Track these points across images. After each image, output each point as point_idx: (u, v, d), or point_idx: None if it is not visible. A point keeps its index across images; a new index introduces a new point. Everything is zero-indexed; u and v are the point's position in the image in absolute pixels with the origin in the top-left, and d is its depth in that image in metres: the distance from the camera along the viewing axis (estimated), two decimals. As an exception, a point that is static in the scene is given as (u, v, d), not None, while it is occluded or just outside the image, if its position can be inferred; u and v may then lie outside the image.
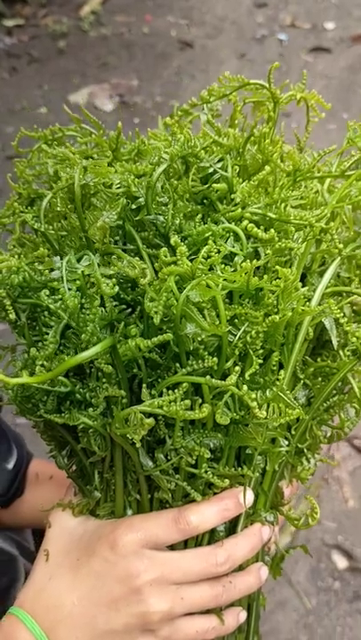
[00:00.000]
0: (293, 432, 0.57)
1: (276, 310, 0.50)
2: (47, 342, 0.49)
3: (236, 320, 0.49)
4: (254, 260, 0.47)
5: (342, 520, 1.81)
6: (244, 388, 0.46)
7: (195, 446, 0.49)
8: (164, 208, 0.51)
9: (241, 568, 0.58)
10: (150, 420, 0.44)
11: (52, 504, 0.58)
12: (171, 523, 0.52)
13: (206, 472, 0.51)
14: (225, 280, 0.46)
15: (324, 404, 0.57)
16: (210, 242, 0.48)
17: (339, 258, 0.56)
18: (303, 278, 0.58)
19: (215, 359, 0.47)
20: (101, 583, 0.51)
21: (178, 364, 0.48)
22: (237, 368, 0.47)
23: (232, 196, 0.54)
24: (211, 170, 0.55)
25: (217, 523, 0.53)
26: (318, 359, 0.58)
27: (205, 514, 0.52)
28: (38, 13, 3.91)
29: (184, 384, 0.47)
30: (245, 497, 0.53)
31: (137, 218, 0.51)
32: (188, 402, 0.45)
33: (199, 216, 0.54)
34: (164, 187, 0.52)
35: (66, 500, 0.58)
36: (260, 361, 0.50)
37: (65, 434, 0.54)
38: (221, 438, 0.50)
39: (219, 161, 0.56)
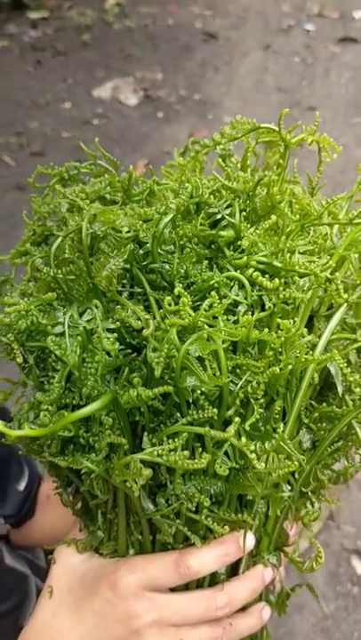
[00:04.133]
0: (297, 476, 0.57)
1: (278, 360, 0.50)
2: (52, 386, 0.49)
3: (238, 370, 0.50)
4: (256, 313, 0.48)
5: (361, 525, 1.81)
6: (243, 439, 0.47)
7: (195, 493, 0.50)
8: (170, 256, 0.52)
9: (243, 608, 0.59)
10: (148, 472, 0.45)
11: (61, 526, 0.59)
12: (171, 566, 0.53)
13: (207, 518, 0.51)
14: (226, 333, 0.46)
15: (329, 449, 0.57)
16: (213, 292, 0.49)
17: (345, 305, 0.56)
18: (311, 320, 0.58)
19: (215, 410, 0.48)
20: (103, 623, 0.52)
21: (179, 413, 0.49)
22: (237, 419, 0.48)
23: (239, 242, 0.54)
24: (219, 215, 0.55)
25: (217, 567, 0.54)
26: (324, 402, 0.58)
27: (205, 558, 0.53)
28: (63, 5, 3.90)
29: (184, 433, 0.47)
30: (245, 542, 0.54)
31: (144, 263, 0.52)
32: (187, 453, 0.46)
33: (206, 262, 0.54)
34: (170, 235, 0.53)
35: (71, 536, 0.59)
36: (261, 410, 0.50)
37: (70, 474, 0.55)
38: (222, 486, 0.51)
39: (228, 207, 0.56)
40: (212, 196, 0.56)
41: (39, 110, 3.29)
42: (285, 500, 0.56)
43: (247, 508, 0.54)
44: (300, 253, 0.56)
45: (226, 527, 0.52)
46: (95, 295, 0.52)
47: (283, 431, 0.55)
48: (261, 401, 0.50)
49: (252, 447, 0.47)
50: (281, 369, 0.49)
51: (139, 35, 3.79)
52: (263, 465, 0.48)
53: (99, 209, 0.54)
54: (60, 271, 0.53)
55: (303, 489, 0.58)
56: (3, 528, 0.86)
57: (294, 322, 0.50)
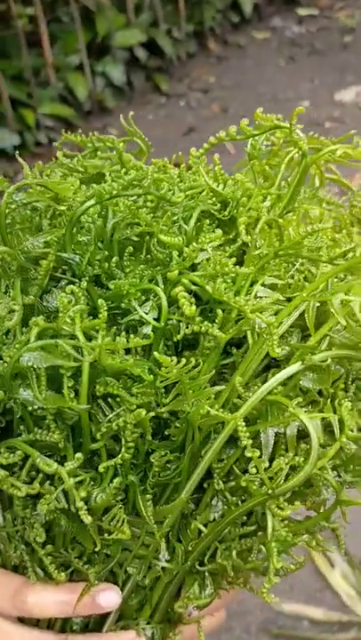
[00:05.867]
0: (190, 547, 0.46)
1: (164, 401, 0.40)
2: None
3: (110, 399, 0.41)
4: (121, 337, 0.39)
5: None
6: (70, 481, 0.39)
7: (35, 522, 0.43)
8: (85, 248, 0.44)
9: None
10: None
11: None
12: (10, 593, 0.46)
13: (49, 555, 0.44)
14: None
15: (236, 531, 0.45)
16: (101, 301, 0.41)
17: (299, 363, 0.43)
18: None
19: (58, 435, 0.40)
20: None
21: (23, 427, 0.42)
22: (79, 455, 0.39)
23: (182, 254, 0.45)
24: (175, 217, 0.46)
25: (55, 614, 0.46)
26: None
27: (44, 599, 0.46)
28: (335, 5, 3.78)
29: (19, 451, 0.40)
30: (82, 598, 0.45)
31: (57, 253, 0.45)
32: (4, 473, 0.39)
33: (142, 267, 0.45)
34: (85, 226, 0.45)
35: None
36: (128, 456, 0.41)
37: None
38: (66, 526, 0.43)
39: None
40: (181, 194, 0.46)
41: (276, 104, 3.24)
42: (158, 570, 0.46)
43: (98, 560, 0.45)
44: (264, 285, 0.45)
45: (62, 574, 0.44)
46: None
47: (178, 492, 0.45)
48: (131, 444, 0.41)
49: (83, 494, 0.39)
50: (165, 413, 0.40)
51: None
52: (89, 519, 0.39)
53: (49, 181, 0.48)
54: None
55: (198, 567, 0.47)
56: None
57: (191, 362, 0.40)
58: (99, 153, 0.58)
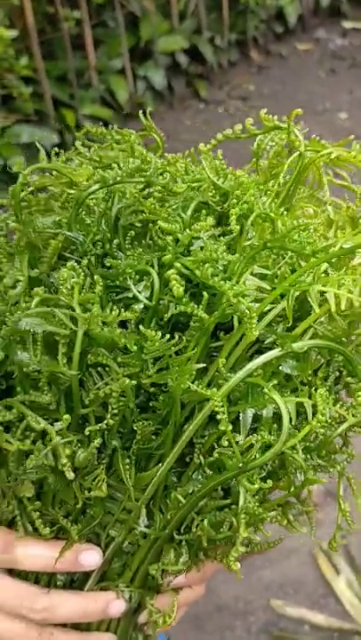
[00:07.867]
0: (170, 516, 0.50)
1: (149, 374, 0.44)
2: None
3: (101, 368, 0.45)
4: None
5: None
6: (56, 438, 0.42)
7: (24, 479, 0.46)
8: (90, 229, 0.48)
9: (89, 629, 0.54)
10: None
11: None
12: (1, 546, 0.50)
13: (37, 511, 0.48)
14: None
15: (212, 504, 0.48)
16: (81, 276, 0.44)
17: (279, 349, 0.46)
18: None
19: (50, 397, 0.44)
20: None
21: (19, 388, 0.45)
22: (67, 416, 0.43)
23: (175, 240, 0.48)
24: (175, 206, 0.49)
25: (42, 568, 0.50)
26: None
27: (32, 552, 0.49)
28: (381, 19, 3.79)
29: (14, 410, 0.44)
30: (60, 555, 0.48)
31: (55, 231, 0.49)
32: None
33: (140, 250, 0.49)
34: (91, 207, 0.49)
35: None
36: (113, 422, 0.44)
37: None
38: (51, 482, 0.46)
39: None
40: (181, 185, 0.50)
41: (314, 115, 3.26)
42: (136, 534, 0.49)
43: (83, 521, 0.49)
44: (253, 275, 0.48)
45: (47, 529, 0.47)
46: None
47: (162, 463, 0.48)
48: (116, 411, 0.44)
49: (67, 451, 0.42)
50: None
51: None
52: (72, 475, 0.42)
53: (61, 166, 0.52)
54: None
55: (176, 535, 0.50)
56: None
57: (176, 339, 0.43)
58: (115, 145, 0.62)
